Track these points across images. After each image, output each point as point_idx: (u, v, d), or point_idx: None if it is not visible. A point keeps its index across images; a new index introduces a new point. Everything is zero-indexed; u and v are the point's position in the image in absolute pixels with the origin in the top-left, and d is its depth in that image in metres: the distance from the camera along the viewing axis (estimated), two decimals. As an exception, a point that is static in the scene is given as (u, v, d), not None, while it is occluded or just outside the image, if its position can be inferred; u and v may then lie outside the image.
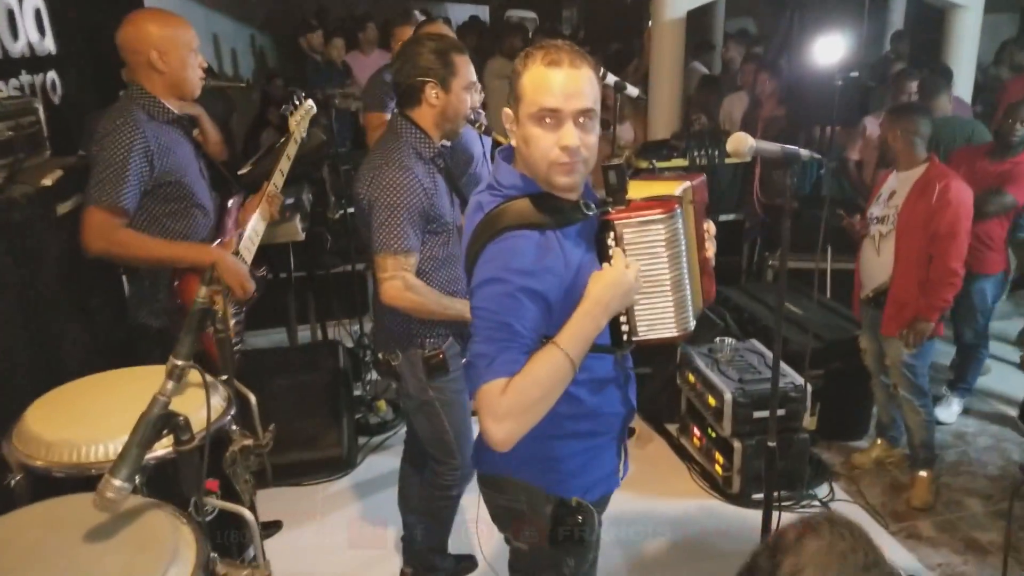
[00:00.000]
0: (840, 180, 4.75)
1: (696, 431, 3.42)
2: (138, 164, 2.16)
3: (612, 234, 1.46)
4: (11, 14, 2.83)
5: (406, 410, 2.49)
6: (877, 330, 3.18)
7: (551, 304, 1.41)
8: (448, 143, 2.32)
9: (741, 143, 1.80)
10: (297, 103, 2.81)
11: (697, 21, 6.57)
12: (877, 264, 3.13)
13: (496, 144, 2.70)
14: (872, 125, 4.53)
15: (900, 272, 3.02)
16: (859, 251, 3.28)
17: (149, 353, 2.21)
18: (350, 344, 4.20)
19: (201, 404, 1.60)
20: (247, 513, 1.70)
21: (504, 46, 6.38)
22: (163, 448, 1.59)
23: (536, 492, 1.58)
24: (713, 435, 3.28)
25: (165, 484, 1.64)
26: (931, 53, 5.99)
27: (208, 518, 1.61)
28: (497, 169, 1.55)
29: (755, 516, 2.36)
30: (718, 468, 3.22)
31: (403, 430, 2.90)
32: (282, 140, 2.77)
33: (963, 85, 5.38)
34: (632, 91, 3.41)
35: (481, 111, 2.63)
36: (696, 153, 4.55)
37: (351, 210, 3.69)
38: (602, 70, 3.19)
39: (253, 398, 2.01)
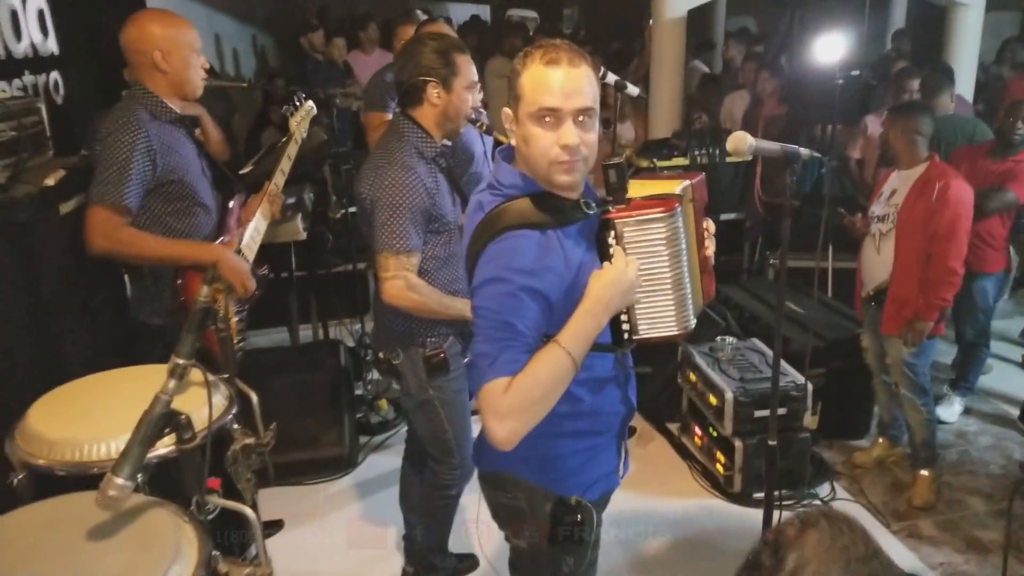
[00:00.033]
0: (841, 179, 4.75)
1: (697, 430, 3.42)
2: (141, 163, 2.17)
3: (613, 233, 1.47)
4: (14, 15, 2.84)
5: (406, 409, 2.50)
6: (878, 329, 3.18)
7: (552, 303, 1.41)
8: (449, 142, 2.33)
9: (740, 142, 1.80)
10: (297, 104, 2.82)
11: (698, 20, 6.57)
12: (877, 263, 3.13)
13: (497, 143, 2.71)
14: (873, 124, 4.53)
15: (899, 271, 3.02)
16: (860, 250, 3.28)
17: (150, 350, 2.22)
18: (351, 343, 4.21)
19: (203, 403, 1.61)
20: (249, 511, 1.70)
21: (505, 45, 6.39)
22: (165, 447, 1.60)
23: (536, 490, 1.59)
24: (714, 434, 3.28)
25: (167, 483, 1.64)
26: (932, 51, 5.99)
27: (210, 517, 1.62)
28: (497, 168, 1.56)
29: (756, 515, 2.37)
30: (719, 467, 3.23)
31: (404, 429, 2.90)
32: (283, 140, 2.78)
33: (965, 83, 5.37)
34: (633, 90, 3.42)
35: (483, 110, 2.64)
36: (697, 152, 4.56)
37: (352, 209, 3.69)
38: (602, 69, 3.19)
39: (255, 397, 2.02)
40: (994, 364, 4.22)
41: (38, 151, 2.55)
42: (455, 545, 2.68)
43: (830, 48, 4.15)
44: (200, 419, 1.62)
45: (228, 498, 1.71)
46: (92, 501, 1.38)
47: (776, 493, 2.16)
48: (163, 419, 1.46)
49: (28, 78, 2.90)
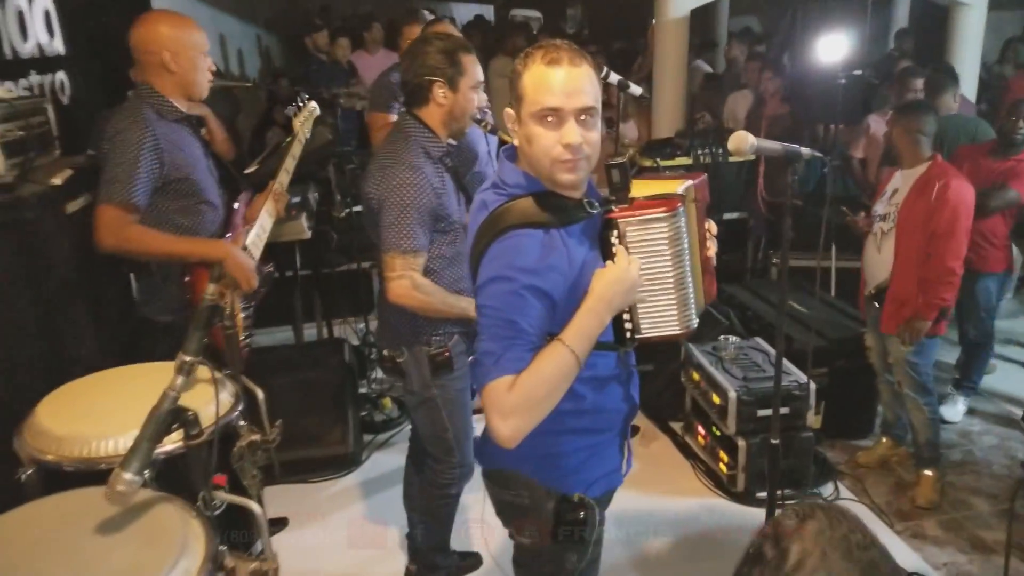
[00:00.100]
0: (844, 178, 4.75)
1: (700, 429, 3.43)
2: (148, 161, 2.19)
3: (615, 232, 1.48)
4: (20, 15, 2.86)
5: (408, 407, 2.51)
6: (880, 328, 3.18)
7: (556, 302, 1.42)
8: (455, 142, 2.34)
9: (742, 142, 1.81)
10: (301, 104, 2.83)
11: (701, 20, 6.59)
12: (879, 261, 3.13)
13: (502, 143, 2.72)
14: (876, 123, 4.53)
15: (899, 270, 3.02)
16: (863, 249, 3.28)
17: (155, 346, 2.24)
18: (356, 341, 4.23)
19: (210, 399, 1.62)
20: (255, 506, 1.72)
21: (508, 45, 6.40)
22: (173, 442, 1.61)
23: (538, 488, 1.59)
24: (717, 433, 3.29)
25: (174, 478, 1.65)
26: (935, 51, 5.99)
27: (216, 512, 1.63)
28: (501, 168, 1.57)
29: (759, 515, 2.37)
30: (722, 466, 3.23)
31: (408, 428, 2.91)
32: (287, 140, 2.80)
33: (967, 83, 5.37)
34: (636, 90, 3.42)
35: (488, 110, 2.65)
36: (700, 151, 4.56)
37: (356, 209, 3.71)
38: (605, 69, 3.20)
39: (261, 394, 2.04)
40: (998, 364, 4.22)
41: (45, 151, 2.56)
42: (459, 543, 2.69)
43: (833, 48, 4.16)
44: (207, 415, 1.64)
45: (234, 494, 1.72)
46: (100, 496, 1.39)
47: (779, 492, 2.16)
48: (171, 415, 1.47)
49: (34, 78, 2.92)
